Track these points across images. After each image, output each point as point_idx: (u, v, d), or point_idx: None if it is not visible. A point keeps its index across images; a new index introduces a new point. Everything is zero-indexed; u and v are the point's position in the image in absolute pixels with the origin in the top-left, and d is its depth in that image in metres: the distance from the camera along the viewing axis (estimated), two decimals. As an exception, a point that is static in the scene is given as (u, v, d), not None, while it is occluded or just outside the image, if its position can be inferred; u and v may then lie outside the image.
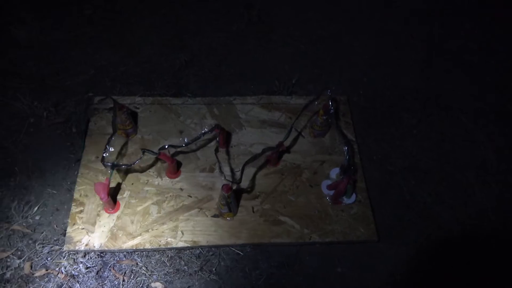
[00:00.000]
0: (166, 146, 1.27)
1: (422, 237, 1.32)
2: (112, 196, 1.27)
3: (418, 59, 1.74)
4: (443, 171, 1.45)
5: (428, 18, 1.88)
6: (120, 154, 1.37)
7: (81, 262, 1.21)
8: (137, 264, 1.23)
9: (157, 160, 1.36)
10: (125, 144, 1.39)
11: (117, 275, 1.20)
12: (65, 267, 1.20)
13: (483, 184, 1.43)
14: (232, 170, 1.36)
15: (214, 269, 1.23)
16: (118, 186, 1.31)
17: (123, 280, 1.20)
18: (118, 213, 1.27)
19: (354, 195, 1.32)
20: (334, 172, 1.36)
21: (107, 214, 1.26)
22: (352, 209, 1.31)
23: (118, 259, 1.23)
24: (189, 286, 1.20)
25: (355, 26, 1.83)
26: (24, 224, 1.26)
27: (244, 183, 1.33)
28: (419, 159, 1.47)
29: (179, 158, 1.37)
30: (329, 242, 1.26)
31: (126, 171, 1.34)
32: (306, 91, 1.60)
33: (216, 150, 1.27)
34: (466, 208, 1.38)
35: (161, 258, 1.24)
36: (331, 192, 1.32)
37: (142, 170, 1.35)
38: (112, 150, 1.36)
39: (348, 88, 1.62)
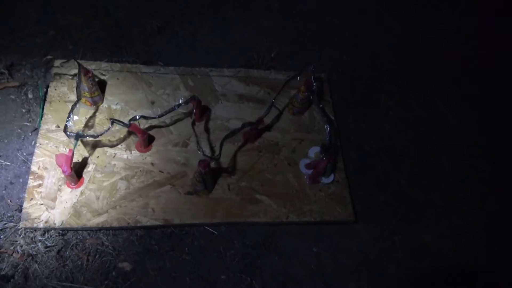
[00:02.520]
0: (138, 117, 1.17)
1: (397, 217, 1.32)
2: (76, 170, 1.16)
3: (397, 41, 1.72)
4: (418, 153, 1.46)
5: (411, 1, 1.86)
6: (85, 124, 1.25)
7: (40, 241, 1.10)
8: (102, 243, 1.14)
9: (126, 132, 1.25)
10: (91, 113, 1.27)
11: (80, 254, 1.11)
12: (21, 246, 1.09)
13: (454, 167, 1.46)
14: (210, 146, 1.28)
15: (186, 249, 1.16)
16: (83, 159, 1.20)
17: (87, 260, 1.11)
18: (81, 188, 1.16)
19: (332, 175, 1.30)
20: (313, 151, 1.33)
21: (69, 189, 1.15)
22: (330, 189, 1.29)
23: (82, 237, 1.14)
24: (159, 267, 1.13)
25: (337, 3, 1.77)
26: (-28, 198, 1.13)
27: (221, 160, 1.26)
28: (396, 141, 1.47)
29: (150, 131, 1.28)
30: (306, 222, 1.24)
31: (92, 143, 1.22)
32: (285, 66, 1.53)
33: (193, 123, 1.19)
34: (439, 190, 1.40)
35: (129, 237, 1.16)
36: (310, 171, 1.28)
37: (109, 143, 1.24)
38: (76, 119, 1.24)
39: (327, 66, 1.57)
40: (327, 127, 1.24)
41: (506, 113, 1.64)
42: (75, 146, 1.10)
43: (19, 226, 1.09)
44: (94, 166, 1.20)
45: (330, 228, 1.27)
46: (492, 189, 1.44)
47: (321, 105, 1.30)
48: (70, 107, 1.21)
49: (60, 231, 1.12)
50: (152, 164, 1.23)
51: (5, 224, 1.11)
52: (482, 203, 1.40)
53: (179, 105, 1.21)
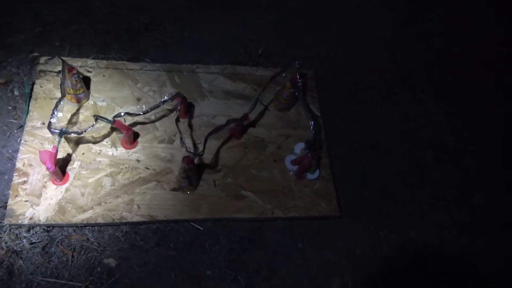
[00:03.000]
0: (122, 114, 1.17)
1: (382, 214, 1.33)
2: (61, 166, 1.16)
3: (386, 38, 1.73)
4: (404, 150, 1.47)
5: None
6: (70, 121, 1.25)
7: (25, 237, 1.11)
8: (88, 239, 1.14)
9: (111, 129, 1.26)
10: (76, 110, 1.27)
11: (65, 251, 1.12)
12: (6, 243, 1.09)
13: (440, 164, 1.47)
14: (194, 142, 1.29)
15: (172, 244, 1.17)
16: (68, 156, 1.20)
17: (72, 256, 1.11)
18: (66, 184, 1.16)
19: (317, 171, 1.31)
20: (299, 147, 1.33)
21: (54, 186, 1.15)
22: (315, 185, 1.30)
23: (67, 234, 1.14)
24: (145, 263, 1.14)
25: (325, 0, 1.77)
26: (-43, 195, 1.13)
27: (206, 156, 1.27)
28: (382, 137, 1.48)
29: (135, 128, 1.28)
30: (291, 217, 1.25)
31: (77, 140, 1.23)
32: (273, 63, 1.53)
33: (177, 120, 1.19)
34: (425, 186, 1.41)
35: (114, 233, 1.16)
36: (295, 167, 1.29)
37: (94, 140, 1.24)
38: (61, 115, 1.24)
39: (315, 63, 1.58)
40: (311, 123, 1.25)
41: (493, 109, 1.65)
42: (59, 142, 1.10)
43: (3, 222, 1.10)
44: (79, 162, 1.20)
45: (315, 224, 1.28)
46: (477, 184, 1.45)
47: (306, 101, 1.31)
48: (55, 104, 1.21)
49: (45, 228, 1.13)
50: (138, 160, 1.24)
51: (-10, 220, 1.12)
52: (467, 199, 1.42)
53: (164, 101, 1.22)
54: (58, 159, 1.15)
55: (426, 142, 1.50)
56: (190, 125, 1.32)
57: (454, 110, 1.60)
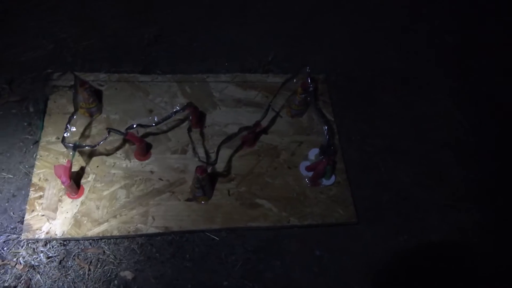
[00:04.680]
0: (134, 126, 1.18)
1: (401, 218, 1.30)
2: (75, 180, 1.17)
3: (395, 38, 1.71)
4: (420, 151, 1.44)
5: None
6: (84, 135, 1.26)
7: (42, 252, 1.11)
8: (104, 252, 1.14)
9: (124, 141, 1.26)
10: (89, 124, 1.28)
11: (82, 264, 1.12)
12: (24, 257, 1.10)
13: (459, 165, 1.43)
14: (206, 151, 1.28)
15: (187, 255, 1.16)
16: (82, 169, 1.21)
17: (89, 270, 1.11)
18: (82, 198, 1.17)
19: (333, 177, 1.28)
20: (313, 153, 1.31)
21: (69, 200, 1.16)
22: (331, 191, 1.28)
23: (83, 247, 1.14)
24: (161, 274, 1.13)
25: (333, 3, 1.76)
26: (-25, 211, 1.15)
27: (219, 165, 1.26)
28: (397, 139, 1.45)
29: (148, 139, 1.28)
30: (308, 225, 1.22)
31: (91, 153, 1.23)
32: (283, 69, 1.53)
33: (189, 130, 1.19)
34: (444, 187, 1.37)
35: (130, 246, 1.16)
36: (310, 174, 1.27)
37: (108, 152, 1.25)
38: (74, 130, 1.25)
39: (325, 67, 1.56)
40: (325, 128, 1.23)
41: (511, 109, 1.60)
42: (73, 156, 1.11)
43: (21, 237, 1.10)
44: (94, 175, 1.21)
45: (333, 231, 1.25)
46: (498, 185, 1.40)
47: (318, 106, 1.29)
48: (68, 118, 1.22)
49: (62, 242, 1.13)
50: (151, 172, 1.24)
51: (8, 236, 1.13)
52: (488, 200, 1.37)
53: (175, 112, 1.22)
54: (73, 172, 1.16)
55: (444, 143, 1.46)
56: (202, 135, 1.32)
57: (472, 109, 1.56)
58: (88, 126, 1.28)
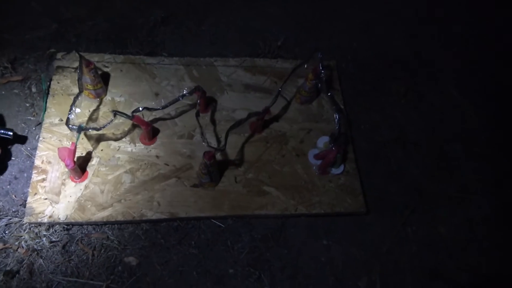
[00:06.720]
0: (141, 109, 1.15)
1: (409, 208, 1.28)
2: (80, 163, 1.14)
3: (408, 27, 1.66)
4: (431, 142, 1.41)
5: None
6: (88, 117, 1.23)
7: (45, 236, 1.09)
8: (108, 237, 1.12)
9: (130, 125, 1.23)
10: (94, 106, 1.25)
11: (85, 249, 1.09)
12: (26, 241, 1.07)
13: (469, 157, 1.40)
14: (216, 137, 1.25)
15: (193, 242, 1.14)
16: (87, 153, 1.18)
17: (93, 255, 1.09)
18: (86, 182, 1.14)
19: (342, 166, 1.26)
20: (322, 141, 1.28)
21: (73, 183, 1.13)
22: (340, 180, 1.25)
23: (87, 232, 1.12)
24: (166, 261, 1.11)
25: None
26: (-23, 193, 1.12)
27: (227, 151, 1.23)
28: (407, 129, 1.42)
29: (154, 123, 1.25)
30: (316, 214, 1.20)
31: (95, 137, 1.20)
32: (293, 54, 1.49)
33: (197, 114, 1.16)
34: (453, 179, 1.35)
35: (135, 231, 1.13)
36: (318, 162, 1.24)
37: (113, 136, 1.22)
38: (79, 111, 1.22)
39: (336, 54, 1.52)
40: (336, 116, 1.19)
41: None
42: (77, 139, 1.08)
43: (23, 221, 1.08)
44: (98, 159, 1.18)
45: (341, 220, 1.23)
46: (507, 177, 1.38)
47: (330, 93, 1.26)
48: (73, 99, 1.18)
49: (65, 226, 1.11)
50: (157, 156, 1.21)
51: (10, 219, 1.10)
52: (497, 193, 1.35)
53: (183, 96, 1.18)
54: (77, 156, 1.13)
55: (454, 134, 1.44)
56: (210, 120, 1.28)
57: (483, 101, 1.53)
58: (93, 109, 1.24)
